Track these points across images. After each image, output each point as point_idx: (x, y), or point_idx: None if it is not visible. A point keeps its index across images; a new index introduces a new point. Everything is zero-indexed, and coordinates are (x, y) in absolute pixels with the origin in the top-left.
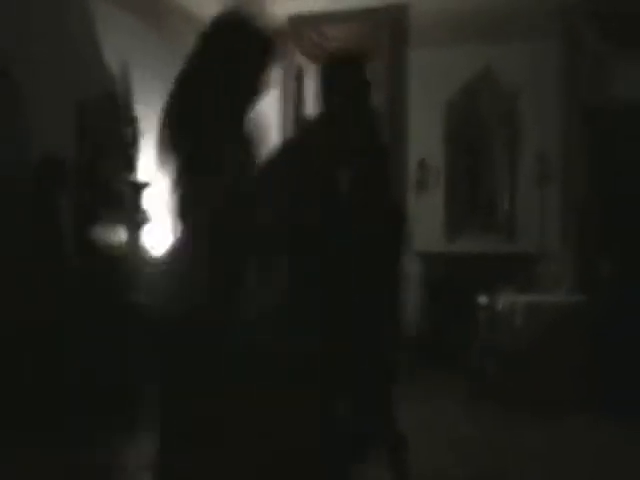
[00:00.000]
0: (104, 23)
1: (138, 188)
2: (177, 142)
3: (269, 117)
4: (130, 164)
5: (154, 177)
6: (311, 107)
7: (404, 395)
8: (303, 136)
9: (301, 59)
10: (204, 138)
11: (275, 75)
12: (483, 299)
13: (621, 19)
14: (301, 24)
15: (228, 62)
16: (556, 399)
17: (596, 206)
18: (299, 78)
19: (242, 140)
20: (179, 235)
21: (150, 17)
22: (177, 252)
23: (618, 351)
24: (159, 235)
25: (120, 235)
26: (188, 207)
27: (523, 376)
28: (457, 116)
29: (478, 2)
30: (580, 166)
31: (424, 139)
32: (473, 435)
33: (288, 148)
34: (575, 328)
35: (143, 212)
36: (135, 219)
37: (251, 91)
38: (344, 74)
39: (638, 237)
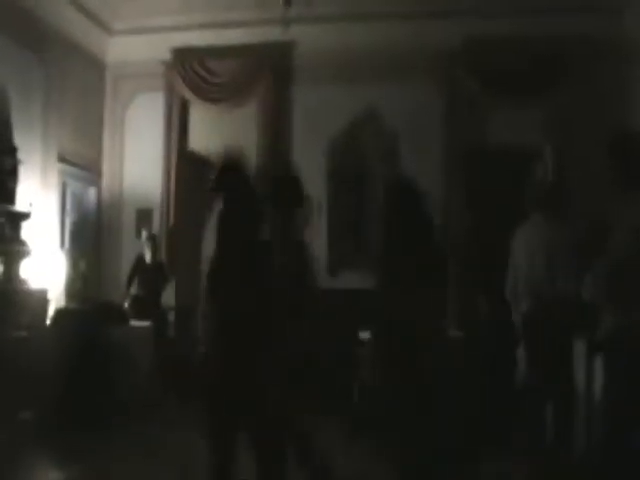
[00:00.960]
0: None
1: (16, 219)
2: None
3: (154, 148)
4: (9, 193)
5: (33, 208)
6: (195, 138)
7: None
8: None
9: (185, 91)
10: None
11: (159, 106)
12: (364, 334)
13: (496, 69)
14: (186, 57)
15: None
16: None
17: (474, 245)
18: (183, 110)
19: None
20: None
21: (32, 44)
22: None
23: (495, 387)
24: (38, 267)
25: None
26: None
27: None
28: (340, 153)
29: (363, 43)
30: (459, 203)
31: (307, 175)
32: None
33: None
34: (455, 363)
35: (21, 243)
36: (13, 250)
37: None
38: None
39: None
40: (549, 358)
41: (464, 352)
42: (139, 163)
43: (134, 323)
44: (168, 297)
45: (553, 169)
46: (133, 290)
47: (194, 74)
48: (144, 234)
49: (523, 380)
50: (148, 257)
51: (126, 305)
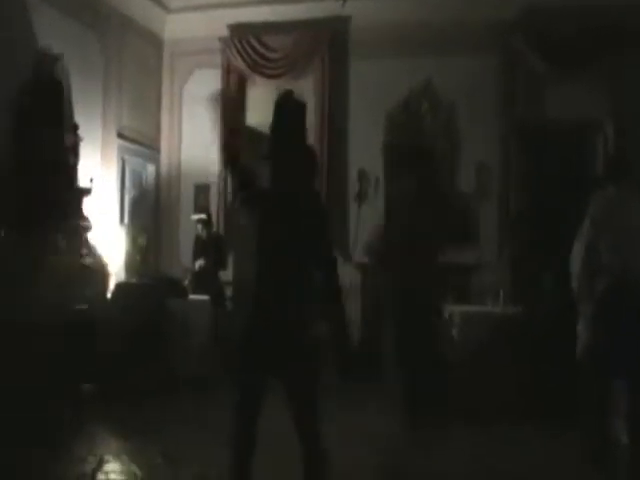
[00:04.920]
0: (43, 26)
1: (78, 194)
2: None
3: (213, 123)
4: (70, 169)
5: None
6: (252, 114)
7: (340, 405)
8: None
9: (242, 67)
10: None
11: (217, 82)
12: None
13: (555, 40)
14: (242, 32)
15: None
16: (491, 408)
17: (532, 218)
18: (240, 85)
19: None
20: None
21: (91, 22)
22: None
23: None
24: (100, 242)
25: (59, 241)
26: None
27: (460, 385)
28: (397, 127)
29: (420, 16)
30: (517, 178)
31: (364, 149)
32: (408, 445)
33: None
34: (510, 339)
35: (83, 218)
36: (74, 224)
37: None
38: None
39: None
40: (625, 339)
41: (521, 327)
42: (197, 139)
43: (193, 297)
44: (226, 272)
45: (614, 142)
46: (196, 266)
47: (251, 50)
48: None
49: (589, 358)
50: (203, 233)
51: (186, 281)
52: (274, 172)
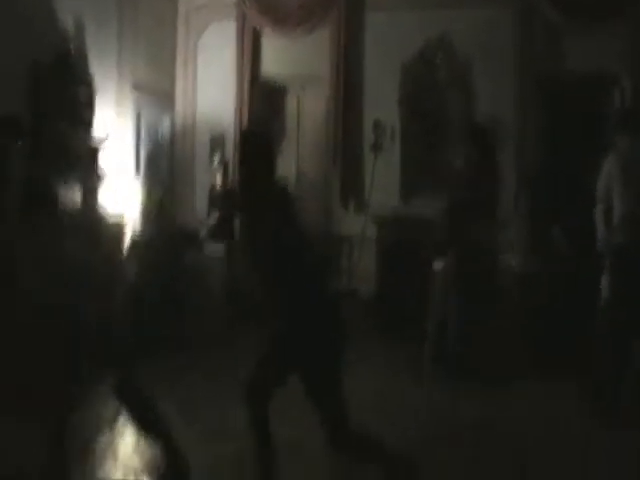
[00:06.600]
0: None
1: (94, 147)
2: None
3: (226, 76)
4: (85, 122)
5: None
6: (267, 65)
7: (358, 360)
8: None
9: (257, 19)
10: None
11: (231, 35)
12: (438, 264)
13: None
14: None
15: None
16: (505, 364)
17: (547, 172)
18: (255, 37)
19: None
20: None
21: None
22: None
23: (565, 319)
24: (114, 194)
25: (75, 194)
26: None
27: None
28: (412, 79)
29: None
30: (533, 132)
31: (379, 101)
32: (423, 401)
33: None
34: (526, 295)
35: (98, 170)
36: (90, 178)
37: None
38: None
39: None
40: None
41: (539, 285)
42: (212, 91)
43: (208, 250)
44: None
45: (631, 95)
46: (211, 218)
47: (266, 2)
48: (216, 160)
49: (608, 313)
50: (219, 183)
51: (202, 233)
52: None
